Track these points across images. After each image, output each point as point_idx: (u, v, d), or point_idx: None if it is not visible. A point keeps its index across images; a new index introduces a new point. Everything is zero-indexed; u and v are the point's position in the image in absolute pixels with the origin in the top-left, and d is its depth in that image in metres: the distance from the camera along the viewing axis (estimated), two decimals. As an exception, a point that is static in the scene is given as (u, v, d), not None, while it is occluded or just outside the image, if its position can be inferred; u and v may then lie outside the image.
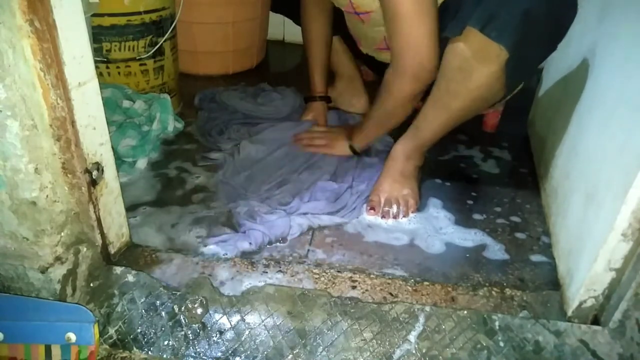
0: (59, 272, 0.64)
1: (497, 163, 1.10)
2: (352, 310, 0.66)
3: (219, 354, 0.64)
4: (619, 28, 0.76)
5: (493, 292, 0.71)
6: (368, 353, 0.63)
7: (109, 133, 0.67)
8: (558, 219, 0.83)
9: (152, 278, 0.69)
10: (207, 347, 0.65)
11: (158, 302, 0.67)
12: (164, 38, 1.11)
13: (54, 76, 0.56)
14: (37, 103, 0.56)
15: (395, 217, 0.89)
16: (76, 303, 0.65)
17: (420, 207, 0.92)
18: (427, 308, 0.66)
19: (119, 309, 0.66)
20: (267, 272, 0.73)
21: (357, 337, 0.64)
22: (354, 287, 0.72)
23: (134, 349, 0.65)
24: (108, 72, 1.08)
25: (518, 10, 0.69)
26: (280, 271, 0.74)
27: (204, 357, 0.64)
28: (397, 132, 0.97)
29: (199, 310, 0.66)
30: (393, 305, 0.66)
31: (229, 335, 0.65)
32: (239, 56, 1.54)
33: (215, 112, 1.22)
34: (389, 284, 0.73)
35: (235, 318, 0.66)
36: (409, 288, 0.72)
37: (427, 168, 0.99)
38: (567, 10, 0.74)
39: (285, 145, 1.08)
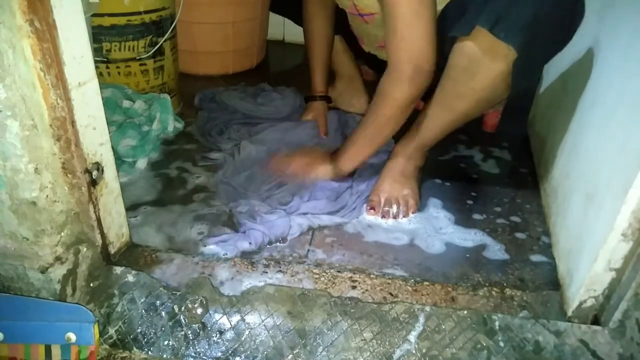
0: (59, 272, 0.64)
1: (497, 163, 1.10)
2: (352, 310, 0.66)
3: (219, 354, 0.64)
4: (619, 27, 0.76)
5: (493, 292, 0.71)
6: (368, 353, 0.63)
7: (109, 133, 0.67)
8: (558, 219, 0.83)
9: (152, 278, 0.69)
10: (207, 347, 0.65)
11: (158, 302, 0.67)
12: (164, 38, 1.11)
13: (54, 76, 0.56)
14: (37, 103, 0.56)
15: (395, 217, 0.89)
16: (76, 303, 0.65)
17: (420, 207, 0.92)
18: (427, 308, 0.66)
19: (119, 309, 0.66)
20: (267, 272, 0.73)
21: (357, 337, 0.64)
22: (354, 287, 0.72)
23: (134, 349, 0.65)
24: (108, 72, 1.08)
25: (528, 11, 0.69)
26: (280, 271, 0.74)
27: (204, 357, 0.64)
28: (398, 132, 0.97)
29: (199, 310, 0.66)
30: (393, 305, 0.66)
31: (229, 335, 0.65)
32: (239, 56, 1.54)
33: (215, 112, 1.22)
34: (389, 284, 0.73)
35: (235, 318, 0.66)
36: (409, 288, 0.72)
37: (427, 168, 0.99)
38: (575, 12, 0.74)
39: (286, 146, 1.07)
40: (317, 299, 0.67)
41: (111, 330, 0.65)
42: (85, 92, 0.61)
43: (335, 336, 0.64)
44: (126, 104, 1.05)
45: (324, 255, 0.80)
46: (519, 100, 0.91)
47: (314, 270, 0.74)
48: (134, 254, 0.75)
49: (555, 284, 0.75)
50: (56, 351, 0.62)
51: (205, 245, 0.80)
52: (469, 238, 0.85)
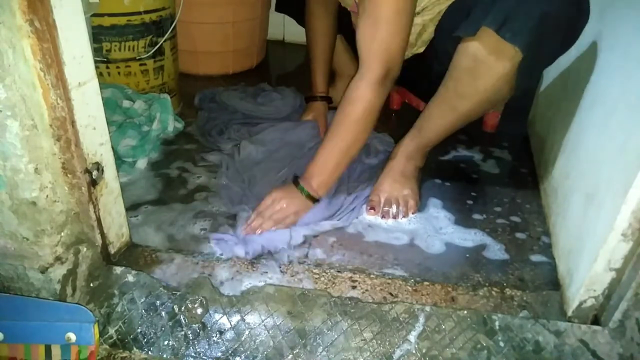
0: (59, 272, 0.64)
1: (497, 163, 1.10)
2: (352, 310, 0.66)
3: (219, 354, 0.64)
4: (619, 27, 0.76)
5: (493, 292, 0.71)
6: (368, 353, 0.63)
7: (109, 133, 0.67)
8: (558, 219, 0.83)
9: (152, 278, 0.69)
10: (207, 347, 0.65)
11: (158, 302, 0.67)
12: (164, 38, 1.11)
13: (54, 76, 0.56)
14: (37, 103, 0.56)
15: (395, 217, 0.89)
16: (76, 303, 0.65)
17: (420, 207, 0.92)
18: (427, 308, 0.66)
19: (119, 309, 0.66)
20: (267, 272, 0.73)
21: (357, 337, 0.64)
22: (354, 287, 0.72)
23: (134, 349, 0.65)
24: (108, 72, 1.08)
25: (535, 12, 0.69)
26: (280, 271, 0.74)
27: (204, 357, 0.64)
28: (398, 132, 0.97)
29: (199, 310, 0.66)
30: (393, 305, 0.66)
31: (229, 335, 0.65)
32: (239, 56, 1.54)
33: (215, 112, 1.22)
34: (389, 284, 0.73)
35: (235, 318, 0.66)
36: (409, 288, 0.72)
37: (427, 168, 0.99)
38: (580, 13, 0.74)
39: (286, 146, 1.07)
40: (317, 299, 0.67)
41: (111, 330, 0.65)
42: (85, 92, 0.61)
43: (335, 336, 0.64)
44: (126, 104, 1.05)
45: (324, 255, 0.80)
46: (519, 100, 0.91)
47: (314, 270, 0.74)
48: (134, 254, 0.75)
49: (555, 284, 0.75)
50: (56, 351, 0.62)
51: (208, 242, 0.80)
52: (469, 238, 0.85)
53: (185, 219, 0.86)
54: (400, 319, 0.65)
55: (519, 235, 0.87)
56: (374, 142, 1.08)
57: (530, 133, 1.19)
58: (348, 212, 0.89)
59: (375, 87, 0.80)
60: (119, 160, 0.97)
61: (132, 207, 0.88)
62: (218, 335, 0.65)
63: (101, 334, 0.65)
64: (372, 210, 0.90)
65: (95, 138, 0.64)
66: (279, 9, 1.34)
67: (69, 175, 0.62)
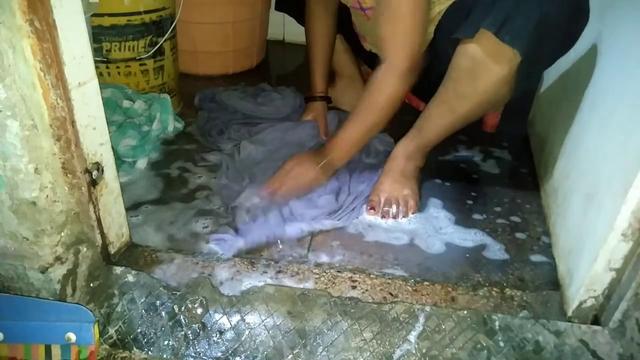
0: (59, 272, 0.64)
1: (497, 163, 1.10)
2: (352, 310, 0.66)
3: (219, 354, 0.64)
4: (619, 28, 0.76)
5: (493, 292, 0.71)
6: (368, 353, 0.63)
7: (109, 133, 0.67)
8: (558, 219, 0.83)
9: (152, 278, 0.69)
10: (207, 347, 0.65)
11: (158, 302, 0.67)
12: (164, 38, 1.11)
13: (54, 76, 0.56)
14: (37, 103, 0.56)
15: (395, 217, 0.89)
16: (76, 303, 0.65)
17: (420, 207, 0.92)
18: (427, 308, 0.66)
19: (119, 309, 0.66)
20: (267, 272, 0.73)
21: (357, 337, 0.64)
22: (354, 287, 0.72)
23: (134, 349, 0.65)
24: (108, 72, 1.08)
25: (534, 14, 0.69)
26: (280, 271, 0.74)
27: (204, 357, 0.64)
28: (398, 132, 0.97)
29: (199, 310, 0.66)
30: (393, 305, 0.66)
31: (229, 335, 0.65)
32: (239, 56, 1.54)
33: (215, 112, 1.22)
34: (389, 284, 0.73)
35: (235, 318, 0.66)
36: (409, 288, 0.72)
37: (427, 168, 0.99)
38: (580, 14, 0.74)
39: (286, 146, 1.07)
40: (317, 299, 0.67)
41: (111, 330, 0.65)
42: (85, 92, 0.61)
43: (335, 336, 0.64)
44: (126, 104, 1.05)
45: (324, 255, 0.80)
46: (519, 101, 0.91)
47: (314, 270, 0.74)
48: (134, 254, 0.75)
49: (555, 284, 0.75)
50: (56, 351, 0.62)
51: (208, 243, 0.80)
52: (469, 238, 0.85)
53: (186, 217, 0.87)
54: (400, 319, 0.65)
55: (519, 235, 0.87)
56: (374, 142, 1.08)
57: (530, 133, 1.19)
58: (348, 212, 0.89)
59: (400, 78, 0.84)
60: (119, 160, 0.97)
61: (132, 207, 0.88)
62: (218, 335, 0.65)
63: (101, 334, 0.65)
64: (372, 210, 0.90)
65: (95, 138, 0.64)
66: (278, 7, 1.34)
67: (69, 175, 0.62)
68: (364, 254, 0.81)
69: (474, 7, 0.77)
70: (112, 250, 0.73)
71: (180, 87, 1.27)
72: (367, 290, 0.71)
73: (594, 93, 0.80)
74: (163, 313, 0.66)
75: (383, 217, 0.90)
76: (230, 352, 0.64)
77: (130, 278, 0.69)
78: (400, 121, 0.92)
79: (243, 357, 0.64)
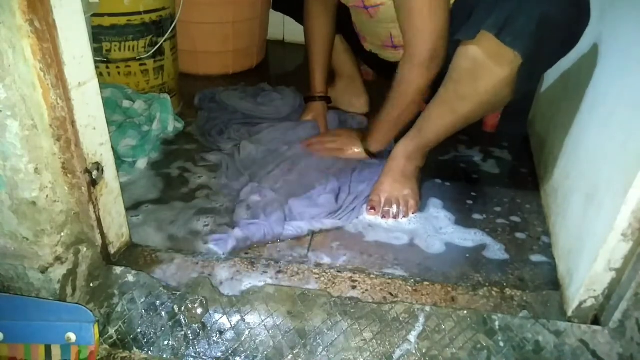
0: (59, 272, 0.64)
1: (497, 163, 1.10)
2: (352, 310, 0.66)
3: (219, 354, 0.64)
4: (620, 28, 0.76)
5: (493, 292, 0.71)
6: (368, 353, 0.63)
7: (109, 133, 0.67)
8: (558, 219, 0.83)
9: (152, 278, 0.69)
10: (207, 347, 0.65)
11: (158, 302, 0.67)
12: (164, 38, 1.11)
13: (54, 76, 0.56)
14: (37, 103, 0.56)
15: (395, 217, 0.89)
16: (76, 303, 0.65)
17: (420, 207, 0.92)
18: (427, 308, 0.66)
19: (119, 309, 0.66)
20: (267, 272, 0.73)
21: (357, 337, 0.64)
22: (354, 287, 0.72)
23: (134, 349, 0.65)
24: (108, 72, 1.08)
25: (535, 16, 0.69)
26: (280, 271, 0.74)
27: (204, 357, 0.64)
28: (399, 133, 0.97)
29: (199, 310, 0.66)
30: (393, 305, 0.66)
31: (229, 335, 0.65)
32: (239, 56, 1.54)
33: (215, 112, 1.22)
34: (389, 284, 0.73)
35: (235, 318, 0.66)
36: (409, 288, 0.72)
37: (427, 168, 0.99)
38: (581, 15, 0.74)
39: (286, 146, 1.08)
40: (317, 299, 0.67)
41: (111, 330, 0.65)
42: (85, 92, 0.61)
43: (335, 336, 0.64)
44: (126, 104, 1.05)
45: (324, 255, 0.80)
46: (519, 101, 0.91)
47: (314, 270, 0.74)
48: (134, 254, 0.75)
49: (555, 284, 0.75)
50: (56, 351, 0.62)
51: (206, 243, 0.80)
52: (469, 238, 0.85)
53: (187, 216, 0.87)
54: (400, 319, 0.65)
55: (519, 235, 0.87)
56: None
57: (530, 133, 1.19)
58: (348, 211, 0.89)
59: (421, 69, 0.86)
60: (119, 160, 0.97)
61: (132, 207, 0.88)
62: (218, 335, 0.65)
63: (101, 334, 0.65)
64: (373, 210, 0.90)
65: (95, 138, 0.64)
66: (275, 7, 1.34)
67: (69, 175, 0.62)
68: (364, 254, 0.81)
69: (476, 8, 0.77)
70: (112, 250, 0.73)
71: (180, 87, 1.27)
72: (367, 290, 0.71)
73: (594, 93, 0.80)
74: (163, 313, 0.66)
75: (383, 217, 0.90)
76: (230, 352, 0.64)
77: (130, 278, 0.69)
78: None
79: (243, 357, 0.64)
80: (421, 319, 0.65)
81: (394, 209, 0.90)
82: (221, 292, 0.68)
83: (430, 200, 0.94)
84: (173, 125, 1.12)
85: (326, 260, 0.79)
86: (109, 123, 0.79)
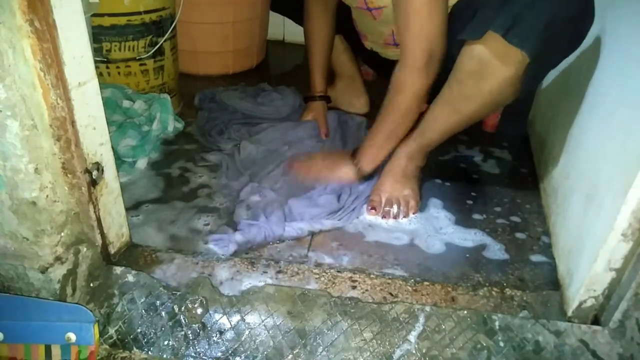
0: (59, 272, 0.64)
1: (497, 163, 1.10)
2: (352, 310, 0.66)
3: (219, 354, 0.64)
4: (620, 28, 0.76)
5: (493, 292, 0.71)
6: (368, 353, 0.63)
7: (109, 133, 0.67)
8: (558, 219, 0.83)
9: (152, 278, 0.69)
10: (207, 347, 0.65)
11: (158, 302, 0.67)
12: (164, 38, 1.11)
13: (54, 76, 0.56)
14: (37, 103, 0.56)
15: (395, 217, 0.89)
16: (76, 303, 0.65)
17: (420, 208, 0.92)
18: (427, 308, 0.66)
19: (119, 309, 0.66)
20: (267, 272, 0.73)
21: (357, 337, 0.64)
22: (354, 287, 0.72)
23: (134, 349, 0.65)
24: (108, 72, 1.08)
25: (542, 16, 0.69)
26: (280, 271, 0.74)
27: (204, 357, 0.64)
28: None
29: (199, 310, 0.66)
30: (393, 305, 0.66)
31: (229, 335, 0.65)
32: (239, 56, 1.54)
33: (215, 112, 1.22)
34: (389, 284, 0.73)
35: (235, 318, 0.66)
36: (409, 288, 0.72)
37: (427, 168, 0.99)
38: (586, 15, 0.74)
39: (286, 146, 1.07)
40: (317, 299, 0.67)
41: (111, 330, 0.65)
42: (85, 92, 0.61)
43: (335, 336, 0.64)
44: (126, 104, 1.05)
45: (324, 255, 0.80)
46: (519, 101, 0.91)
47: (314, 270, 0.74)
48: (134, 254, 0.75)
49: (555, 284, 0.75)
50: (56, 351, 0.62)
51: (206, 243, 0.80)
52: (469, 238, 0.85)
53: (188, 215, 0.87)
54: (400, 319, 0.65)
55: (519, 235, 0.87)
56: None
57: (530, 133, 1.19)
58: (349, 212, 0.89)
59: (418, 73, 0.82)
60: (119, 160, 0.97)
61: (133, 207, 0.88)
62: (218, 335, 0.65)
63: (101, 334, 0.65)
64: (373, 210, 0.90)
65: (95, 138, 0.64)
66: (273, 8, 1.34)
67: (69, 175, 0.62)
68: (364, 254, 0.81)
69: (480, 8, 0.77)
70: (112, 250, 0.73)
71: (180, 87, 1.27)
72: (367, 290, 0.71)
73: (594, 93, 0.80)
74: (163, 313, 0.66)
75: (384, 217, 0.90)
76: (230, 352, 0.64)
77: (130, 278, 0.69)
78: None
79: (243, 357, 0.64)
80: (421, 319, 0.65)
81: (395, 209, 0.90)
82: (221, 292, 0.68)
83: (430, 200, 0.94)
84: (173, 125, 1.12)
85: (326, 260, 0.79)
86: (109, 123, 0.79)
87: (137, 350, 0.65)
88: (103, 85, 0.91)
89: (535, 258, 0.81)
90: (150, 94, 1.12)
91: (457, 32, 0.79)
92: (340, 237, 0.85)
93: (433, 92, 0.88)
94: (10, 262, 0.63)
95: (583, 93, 0.83)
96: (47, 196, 0.60)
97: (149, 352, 0.65)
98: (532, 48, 0.70)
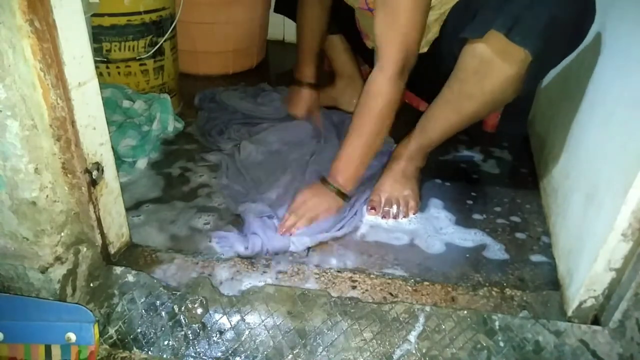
0: (59, 272, 0.64)
1: (497, 163, 1.10)
2: (352, 310, 0.66)
3: (219, 354, 0.64)
4: (620, 27, 0.76)
5: (493, 292, 0.71)
6: (368, 353, 0.63)
7: (109, 133, 0.67)
8: (558, 219, 0.83)
9: (152, 278, 0.69)
10: (207, 347, 0.65)
11: (158, 302, 0.67)
12: (164, 38, 1.11)
13: (54, 76, 0.56)
14: (37, 103, 0.56)
15: (395, 217, 0.89)
16: (76, 303, 0.65)
17: (420, 208, 0.92)
18: (427, 308, 0.66)
19: (119, 309, 0.66)
20: (267, 272, 0.73)
21: (357, 337, 0.64)
22: (354, 287, 0.72)
23: (134, 349, 0.65)
24: (108, 72, 1.08)
25: (544, 14, 0.69)
26: (280, 271, 0.74)
27: (204, 357, 0.64)
28: (398, 132, 0.97)
29: (199, 310, 0.66)
30: (393, 305, 0.66)
31: (229, 335, 0.65)
32: (239, 56, 1.54)
33: (215, 112, 1.22)
34: (389, 284, 0.73)
35: (235, 318, 0.66)
36: (409, 288, 0.72)
37: (427, 168, 0.99)
38: (587, 13, 0.74)
39: (286, 146, 1.07)
40: (317, 299, 0.67)
41: (111, 330, 0.65)
42: (85, 92, 0.61)
43: (335, 336, 0.64)
44: (126, 104, 1.05)
45: (324, 255, 0.80)
46: (519, 101, 0.91)
47: (314, 270, 0.74)
48: (134, 254, 0.75)
49: (555, 284, 0.75)
50: (56, 351, 0.62)
51: (209, 240, 0.80)
52: (469, 238, 0.85)
53: (188, 215, 0.87)
54: (400, 319, 0.65)
55: (519, 235, 0.87)
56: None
57: (530, 133, 1.19)
58: (350, 217, 0.88)
59: (394, 79, 0.81)
60: (119, 160, 0.97)
61: (133, 207, 0.88)
62: (218, 335, 0.65)
63: (101, 334, 0.65)
64: (373, 210, 0.90)
65: (95, 138, 0.64)
66: (278, 10, 1.34)
67: (69, 175, 0.62)
68: (364, 254, 0.81)
69: (481, 8, 0.77)
70: (112, 250, 0.73)
71: (180, 87, 1.27)
72: (367, 290, 0.71)
73: (594, 93, 0.80)
74: (163, 313, 0.66)
75: (383, 217, 0.90)
76: (230, 352, 0.64)
77: (130, 278, 0.69)
78: (401, 121, 0.92)
79: (243, 357, 0.64)
80: (421, 319, 0.65)
81: (394, 209, 0.90)
82: (221, 292, 0.68)
83: (430, 201, 0.94)
84: (173, 125, 1.12)
85: (326, 260, 0.79)
86: (109, 123, 0.79)
87: (137, 350, 0.65)
88: (103, 85, 0.91)
89: (535, 258, 0.81)
90: (150, 94, 1.12)
91: (457, 32, 0.79)
92: (340, 237, 0.85)
93: (433, 92, 0.88)
94: (10, 262, 0.63)
95: (583, 93, 0.83)
96: (47, 196, 0.60)
97: (149, 352, 0.65)
98: (535, 46, 0.70)
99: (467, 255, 0.82)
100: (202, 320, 0.66)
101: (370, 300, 0.69)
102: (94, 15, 0.95)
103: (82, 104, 0.61)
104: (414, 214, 0.90)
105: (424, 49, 1.01)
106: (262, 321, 0.65)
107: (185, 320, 0.66)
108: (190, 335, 0.65)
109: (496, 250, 0.83)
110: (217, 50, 1.48)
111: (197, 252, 0.78)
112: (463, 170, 1.07)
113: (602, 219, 0.63)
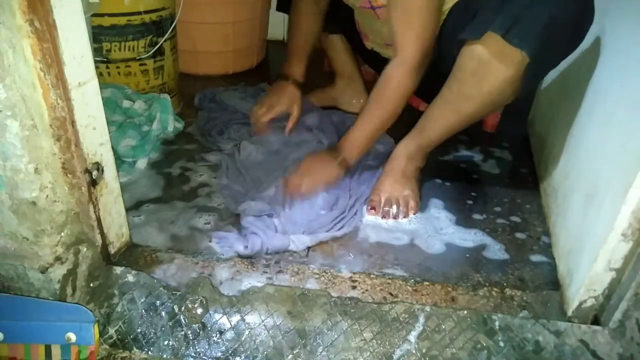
0: (59, 272, 0.64)
1: (497, 163, 1.10)
2: (352, 310, 0.66)
3: (219, 354, 0.64)
4: (620, 27, 0.76)
5: (493, 292, 0.71)
6: (368, 353, 0.63)
7: (109, 133, 0.67)
8: (558, 219, 0.83)
9: (152, 278, 0.69)
10: (207, 347, 0.65)
11: (158, 302, 0.67)
12: (164, 38, 1.11)
13: (54, 76, 0.56)
14: (37, 103, 0.56)
15: (395, 217, 0.89)
16: (76, 303, 0.65)
17: (421, 208, 0.92)
18: (427, 308, 0.66)
19: (119, 309, 0.66)
20: (267, 272, 0.73)
21: (357, 337, 0.64)
22: (354, 287, 0.72)
23: (134, 349, 0.65)
24: (108, 72, 1.08)
25: (542, 16, 0.69)
26: (280, 271, 0.74)
27: (204, 357, 0.64)
28: (398, 132, 0.97)
29: (199, 310, 0.66)
30: (393, 305, 0.66)
31: (229, 335, 0.65)
32: (239, 56, 1.54)
33: (215, 112, 1.22)
34: (389, 284, 0.73)
35: (235, 318, 0.66)
36: (409, 288, 0.72)
37: (427, 168, 0.99)
38: (586, 14, 0.74)
39: (286, 146, 1.07)
40: (317, 299, 0.67)
41: (111, 330, 0.65)
42: (85, 92, 0.61)
43: (335, 336, 0.64)
44: (126, 104, 1.05)
45: (324, 255, 0.80)
46: (519, 101, 0.91)
47: (314, 270, 0.74)
48: (134, 254, 0.75)
49: (555, 284, 0.75)
50: (56, 351, 0.62)
51: (210, 240, 0.80)
52: (469, 238, 0.85)
53: (188, 214, 0.87)
54: (400, 319, 0.65)
55: (519, 235, 0.87)
56: (374, 143, 1.07)
57: (530, 133, 1.19)
58: (350, 216, 0.88)
59: (411, 72, 0.85)
60: (119, 160, 0.97)
61: (134, 207, 0.88)
62: (218, 335, 0.65)
63: (101, 334, 0.65)
64: (373, 210, 0.90)
65: (95, 138, 0.64)
66: (280, 8, 1.34)
67: (69, 175, 0.62)
68: (364, 254, 0.81)
69: (480, 8, 0.77)
70: (112, 250, 0.73)
71: (180, 87, 1.27)
72: (367, 290, 0.71)
73: (594, 93, 0.80)
74: (163, 313, 0.66)
75: (383, 217, 0.89)
76: (230, 352, 0.64)
77: (130, 278, 0.69)
78: (400, 121, 0.92)
79: (243, 357, 0.64)
80: (421, 319, 0.65)
81: (394, 209, 0.90)
82: (221, 292, 0.68)
83: (430, 201, 0.94)
84: (173, 125, 1.12)
85: (326, 260, 0.79)
86: (109, 123, 0.79)
87: (137, 350, 0.65)
88: (103, 85, 0.91)
89: (535, 258, 0.81)
90: (150, 94, 1.12)
91: (456, 32, 0.79)
92: (340, 237, 0.85)
93: (433, 92, 0.88)
94: (10, 262, 0.63)
95: (583, 93, 0.83)
96: (47, 196, 0.60)
97: (149, 352, 0.65)
98: (532, 48, 0.70)
99: (467, 255, 0.82)
100: (202, 320, 0.66)
101: (370, 300, 0.69)
102: (94, 15, 0.95)
103: (82, 104, 0.61)
104: (414, 214, 0.90)
105: None
106: (262, 321, 0.65)
107: (185, 320, 0.66)
108: (190, 335, 0.65)
109: (496, 250, 0.83)
110: (217, 50, 1.48)
111: (197, 252, 0.78)
112: (463, 170, 1.07)
113: (602, 219, 0.63)
